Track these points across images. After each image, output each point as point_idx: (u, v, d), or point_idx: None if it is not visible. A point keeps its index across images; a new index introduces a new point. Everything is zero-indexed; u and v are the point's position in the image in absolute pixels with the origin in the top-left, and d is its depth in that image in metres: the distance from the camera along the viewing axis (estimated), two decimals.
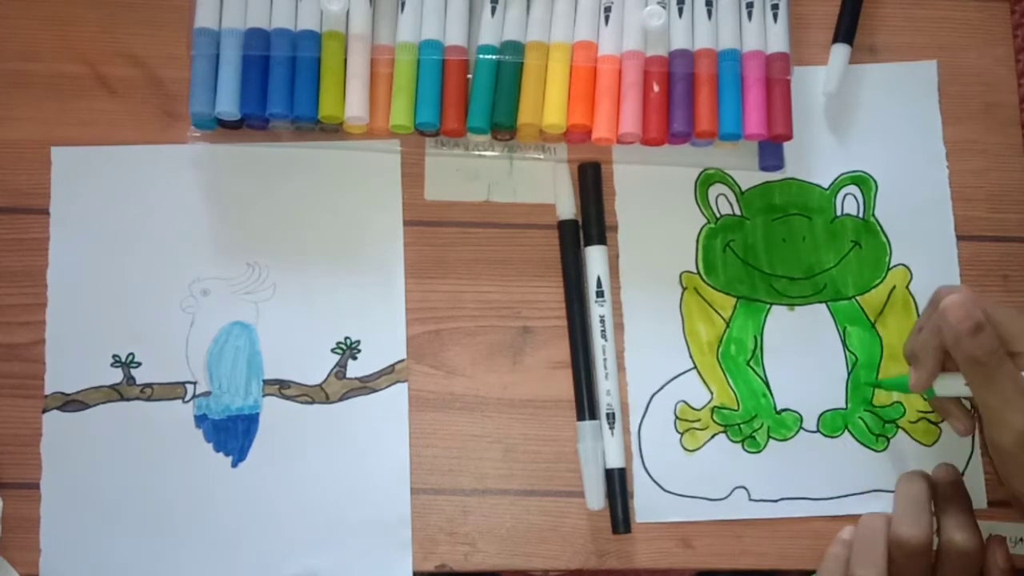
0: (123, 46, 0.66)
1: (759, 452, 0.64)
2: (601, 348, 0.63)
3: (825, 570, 0.57)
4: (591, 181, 0.65)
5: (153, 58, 0.66)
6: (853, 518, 0.62)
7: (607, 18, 0.63)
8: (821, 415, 0.64)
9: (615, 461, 0.62)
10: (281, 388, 0.63)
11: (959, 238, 0.66)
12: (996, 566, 0.53)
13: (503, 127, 0.63)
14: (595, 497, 0.61)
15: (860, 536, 0.55)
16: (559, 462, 0.63)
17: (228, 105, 0.61)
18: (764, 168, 0.66)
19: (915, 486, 0.55)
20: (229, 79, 0.61)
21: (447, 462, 0.63)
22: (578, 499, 0.62)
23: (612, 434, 0.62)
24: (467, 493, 0.63)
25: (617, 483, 0.62)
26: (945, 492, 0.56)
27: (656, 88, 0.62)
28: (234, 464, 0.62)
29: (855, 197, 0.66)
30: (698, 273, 0.65)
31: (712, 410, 0.64)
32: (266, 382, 0.63)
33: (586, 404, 0.63)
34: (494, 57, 0.62)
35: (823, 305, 0.65)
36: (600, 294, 0.64)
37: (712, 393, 0.64)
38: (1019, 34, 0.68)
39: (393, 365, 0.64)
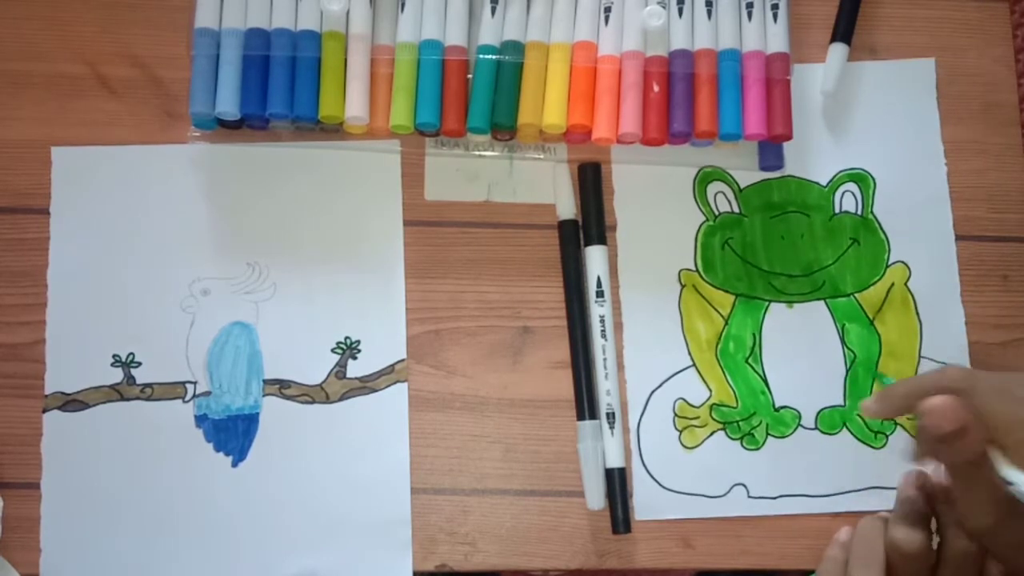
0: (123, 46, 0.65)
1: (758, 449, 0.62)
2: (601, 348, 0.62)
3: (824, 571, 0.55)
4: (591, 181, 0.64)
5: (153, 58, 0.65)
6: (852, 515, 0.61)
7: (607, 18, 0.62)
8: (819, 412, 0.63)
9: (615, 461, 0.61)
10: (281, 388, 0.62)
11: (959, 238, 0.65)
12: (998, 568, 0.52)
13: (503, 127, 0.62)
14: (595, 497, 0.60)
15: (858, 538, 0.54)
16: (559, 462, 0.62)
17: (228, 105, 0.60)
18: (764, 168, 0.65)
19: (914, 488, 0.54)
20: (229, 79, 0.61)
21: (447, 462, 0.62)
22: (578, 499, 0.61)
23: (612, 434, 0.61)
24: (467, 493, 0.62)
25: (617, 483, 0.61)
26: (948, 492, 0.54)
27: (656, 88, 0.62)
28: (234, 464, 0.61)
29: (853, 194, 0.65)
30: (697, 271, 0.64)
31: (711, 407, 0.63)
32: (266, 382, 0.62)
33: (586, 404, 0.62)
34: (494, 57, 0.62)
35: (822, 302, 0.64)
36: (600, 294, 0.63)
37: (711, 390, 0.63)
38: (1019, 34, 0.68)
39: (393, 365, 0.62)
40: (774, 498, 0.62)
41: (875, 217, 0.65)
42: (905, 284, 0.64)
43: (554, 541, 0.61)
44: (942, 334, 0.64)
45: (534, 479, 0.62)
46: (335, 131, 0.63)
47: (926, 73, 0.67)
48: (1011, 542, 0.49)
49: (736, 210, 0.65)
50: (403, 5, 0.62)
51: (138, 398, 0.61)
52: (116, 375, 0.62)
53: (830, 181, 0.65)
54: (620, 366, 0.63)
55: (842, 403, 0.63)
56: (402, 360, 0.62)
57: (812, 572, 0.60)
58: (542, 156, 0.65)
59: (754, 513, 0.61)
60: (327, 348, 0.62)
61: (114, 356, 0.62)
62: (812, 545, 0.61)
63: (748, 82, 0.62)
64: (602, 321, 0.62)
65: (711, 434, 0.62)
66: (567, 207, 0.64)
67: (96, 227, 0.63)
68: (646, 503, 0.61)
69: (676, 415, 0.63)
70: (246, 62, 0.61)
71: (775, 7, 0.63)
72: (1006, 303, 0.65)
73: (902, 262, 0.65)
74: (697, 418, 0.63)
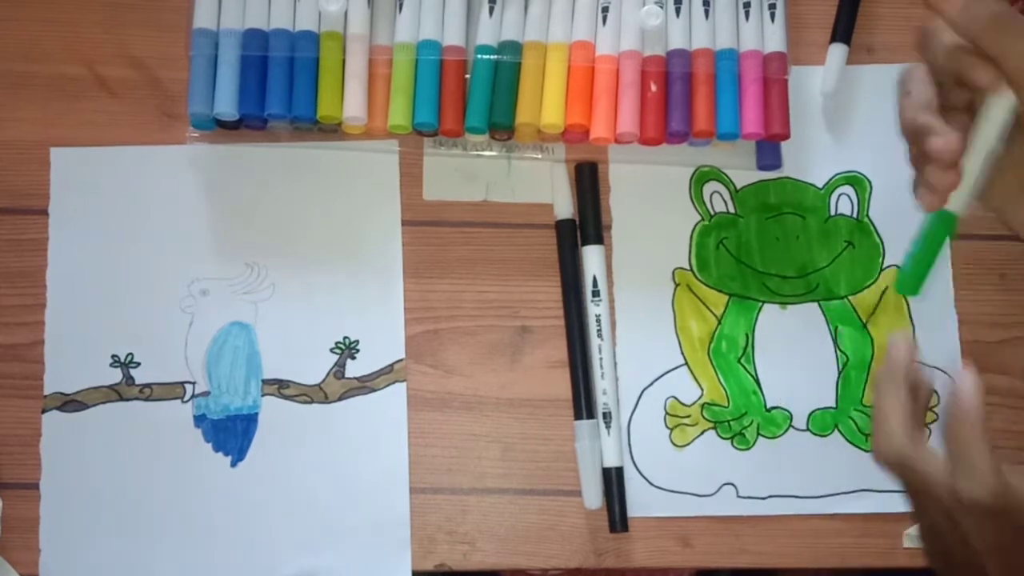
0: (123, 47, 0.63)
1: (748, 449, 0.60)
2: (597, 347, 0.59)
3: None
4: (588, 181, 0.61)
5: (152, 59, 0.63)
6: (842, 517, 0.58)
7: (604, 18, 0.60)
8: (811, 414, 0.60)
9: (612, 460, 0.58)
10: (280, 388, 0.59)
11: (955, 237, 0.62)
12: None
13: (501, 127, 0.59)
14: (592, 496, 0.58)
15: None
16: (557, 461, 0.59)
17: (227, 105, 0.58)
18: (762, 167, 0.62)
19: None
20: (228, 79, 0.58)
21: (446, 461, 0.59)
22: (577, 498, 0.59)
23: (608, 433, 0.58)
24: (466, 492, 0.59)
25: (614, 482, 0.58)
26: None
27: (654, 88, 0.59)
28: (233, 464, 0.58)
29: (849, 197, 0.62)
30: (691, 270, 0.61)
31: (702, 406, 0.60)
32: (265, 382, 0.59)
33: (583, 403, 0.59)
34: (492, 57, 0.59)
35: (815, 304, 0.61)
36: (596, 294, 0.60)
37: (703, 389, 0.60)
38: None
39: (392, 365, 0.60)
40: (763, 498, 0.59)
41: (870, 220, 0.62)
42: None
43: (553, 540, 0.58)
44: (935, 339, 0.60)
45: (533, 478, 0.59)
46: (333, 131, 0.61)
47: None
48: None
49: (732, 210, 0.62)
50: (401, 5, 0.59)
51: (137, 398, 0.59)
52: (115, 375, 0.59)
53: (826, 183, 0.62)
54: (616, 365, 0.60)
55: (834, 405, 0.60)
56: (401, 360, 0.60)
57: (810, 570, 0.57)
58: (540, 156, 0.62)
59: (742, 513, 0.59)
60: (326, 348, 0.60)
61: (113, 356, 0.59)
62: (812, 544, 0.59)
63: (745, 81, 0.59)
64: (598, 321, 0.59)
65: (702, 433, 0.60)
66: (564, 207, 0.61)
67: (95, 227, 0.60)
68: (634, 500, 0.58)
69: (667, 413, 0.60)
70: (244, 62, 0.58)
71: (772, 7, 0.60)
72: (1002, 301, 0.62)
73: (896, 266, 0.61)
74: (688, 417, 0.60)
